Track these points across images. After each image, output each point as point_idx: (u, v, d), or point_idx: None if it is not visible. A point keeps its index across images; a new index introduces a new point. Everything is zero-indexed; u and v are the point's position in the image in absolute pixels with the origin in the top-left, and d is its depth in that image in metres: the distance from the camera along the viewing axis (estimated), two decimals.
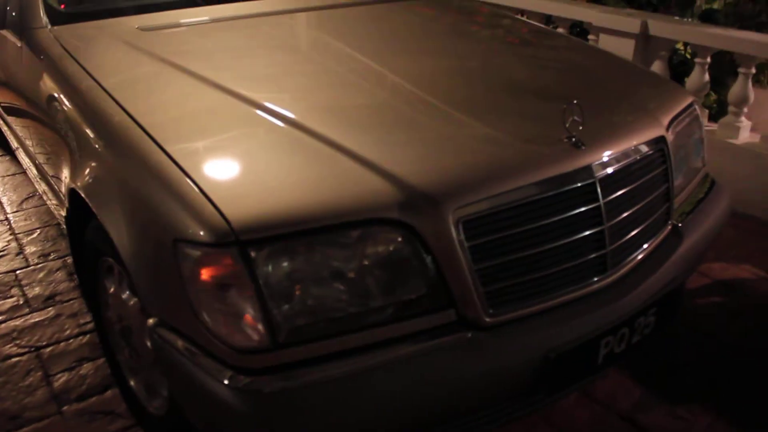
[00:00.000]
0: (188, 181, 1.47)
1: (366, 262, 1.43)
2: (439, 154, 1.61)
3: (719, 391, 2.19)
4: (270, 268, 1.36)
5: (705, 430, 2.04)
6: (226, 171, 1.54)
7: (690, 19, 4.84)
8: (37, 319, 2.54)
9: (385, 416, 1.46)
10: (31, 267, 2.88)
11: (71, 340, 2.43)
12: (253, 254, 1.34)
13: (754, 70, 3.47)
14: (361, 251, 1.42)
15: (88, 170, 1.80)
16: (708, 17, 5.01)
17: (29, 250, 3.01)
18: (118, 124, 1.74)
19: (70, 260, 2.89)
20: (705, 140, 2.21)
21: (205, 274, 1.37)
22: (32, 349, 2.39)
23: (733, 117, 3.56)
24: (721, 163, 3.25)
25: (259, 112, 1.76)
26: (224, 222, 1.35)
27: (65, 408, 2.13)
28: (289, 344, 1.37)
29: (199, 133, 1.69)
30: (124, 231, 1.60)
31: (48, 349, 2.39)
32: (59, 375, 2.27)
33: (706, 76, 3.63)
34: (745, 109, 3.54)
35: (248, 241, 1.34)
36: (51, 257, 2.95)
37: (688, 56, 4.62)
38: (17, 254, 2.97)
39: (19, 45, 2.44)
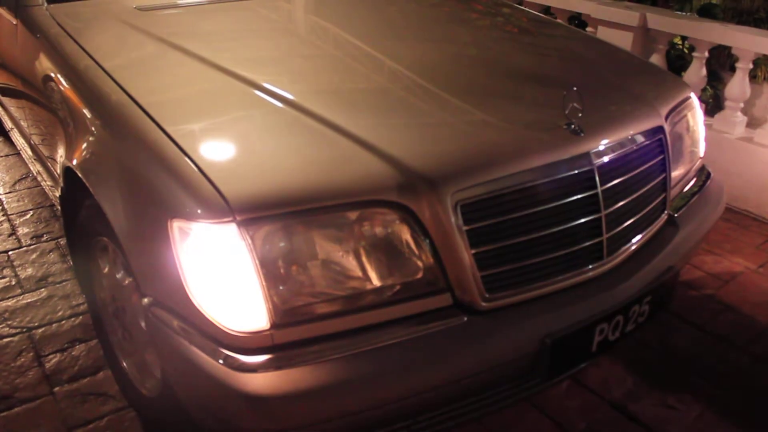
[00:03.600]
0: (186, 160, 1.46)
1: (363, 244, 1.42)
2: (438, 139, 1.60)
3: (709, 382, 2.20)
4: (267, 247, 1.35)
5: (695, 419, 2.05)
6: (225, 151, 1.53)
7: (689, 13, 4.84)
8: (29, 300, 2.53)
9: (379, 399, 1.46)
10: (24, 248, 2.86)
11: (63, 322, 2.42)
12: (250, 233, 1.33)
13: (751, 66, 3.47)
14: (359, 232, 1.42)
15: (85, 149, 1.79)
16: (707, 12, 5.01)
17: (22, 231, 2.99)
18: (117, 104, 1.73)
19: (63, 242, 2.88)
20: (703, 132, 2.21)
21: (202, 252, 1.36)
22: (24, 329, 2.38)
23: (729, 112, 3.56)
24: (716, 158, 3.26)
25: (258, 93, 1.75)
26: (222, 200, 1.34)
27: (57, 389, 2.12)
28: (285, 325, 1.37)
29: (197, 114, 1.68)
30: (120, 209, 1.59)
31: (40, 330, 2.37)
32: (51, 356, 2.26)
33: (704, 71, 3.63)
34: (742, 104, 3.54)
35: (246, 220, 1.33)
36: (44, 238, 2.93)
37: (686, 51, 4.62)
38: (9, 235, 2.96)
39: (14, 23, 2.41)
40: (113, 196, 1.62)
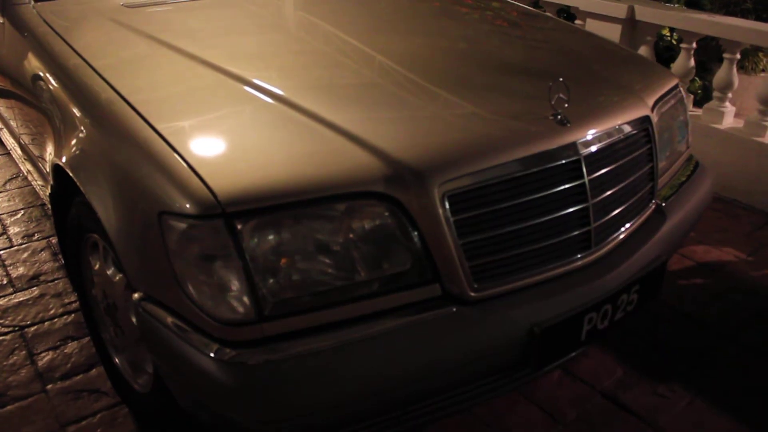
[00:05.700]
0: (175, 155, 1.47)
1: (352, 236, 1.43)
2: (426, 131, 1.61)
3: (699, 370, 2.22)
4: (256, 240, 1.36)
5: (685, 407, 2.07)
6: (214, 146, 1.54)
7: (676, 5, 4.86)
8: (21, 299, 2.53)
9: (369, 390, 1.47)
10: (15, 247, 2.86)
11: (56, 320, 2.42)
12: (239, 226, 1.34)
13: (739, 56, 3.49)
14: (347, 224, 1.42)
15: (74, 146, 1.79)
16: (694, 3, 5.03)
17: (13, 230, 2.99)
18: (106, 102, 1.73)
19: (54, 240, 2.88)
20: (689, 122, 2.23)
21: (191, 246, 1.37)
22: (16, 328, 2.38)
23: (717, 102, 3.58)
24: (704, 148, 3.29)
25: (247, 89, 1.76)
26: (210, 194, 1.35)
27: (50, 386, 2.13)
28: (275, 317, 1.38)
29: (187, 110, 1.69)
30: (110, 205, 1.59)
31: (32, 329, 2.38)
32: (44, 354, 2.26)
33: (692, 62, 3.65)
34: (730, 95, 3.57)
35: (234, 214, 1.34)
36: (35, 237, 2.93)
37: (674, 42, 4.64)
38: (1, 234, 2.95)
39: (0, 21, 2.41)
40: (103, 193, 1.63)
